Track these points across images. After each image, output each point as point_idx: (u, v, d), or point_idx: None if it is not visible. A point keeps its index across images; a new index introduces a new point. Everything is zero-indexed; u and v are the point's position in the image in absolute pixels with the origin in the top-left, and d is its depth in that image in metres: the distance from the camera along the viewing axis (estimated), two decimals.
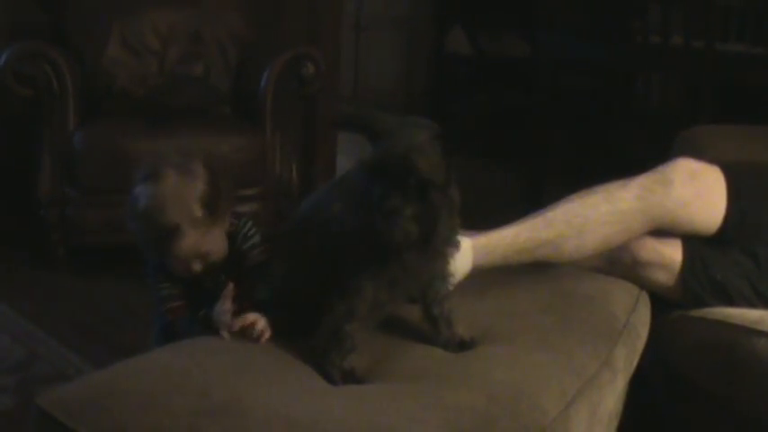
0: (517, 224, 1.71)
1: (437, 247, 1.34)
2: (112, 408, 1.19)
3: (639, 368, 1.66)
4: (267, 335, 1.38)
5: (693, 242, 1.78)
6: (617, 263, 1.77)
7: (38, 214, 3.05)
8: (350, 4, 5.58)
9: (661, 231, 1.78)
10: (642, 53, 4.26)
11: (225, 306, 1.40)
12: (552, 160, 4.15)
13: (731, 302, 1.74)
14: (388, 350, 1.43)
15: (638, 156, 2.26)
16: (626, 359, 1.56)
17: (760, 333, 1.62)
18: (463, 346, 1.44)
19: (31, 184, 3.05)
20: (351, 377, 1.34)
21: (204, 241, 1.46)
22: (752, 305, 1.74)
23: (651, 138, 3.85)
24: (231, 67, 3.51)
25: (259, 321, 1.39)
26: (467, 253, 1.61)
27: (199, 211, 1.45)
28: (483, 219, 1.66)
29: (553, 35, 4.72)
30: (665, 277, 1.77)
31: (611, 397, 1.49)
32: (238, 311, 1.42)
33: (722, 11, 4.19)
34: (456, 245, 1.40)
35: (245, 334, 1.39)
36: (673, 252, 1.77)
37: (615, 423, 1.64)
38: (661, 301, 1.78)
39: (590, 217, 1.71)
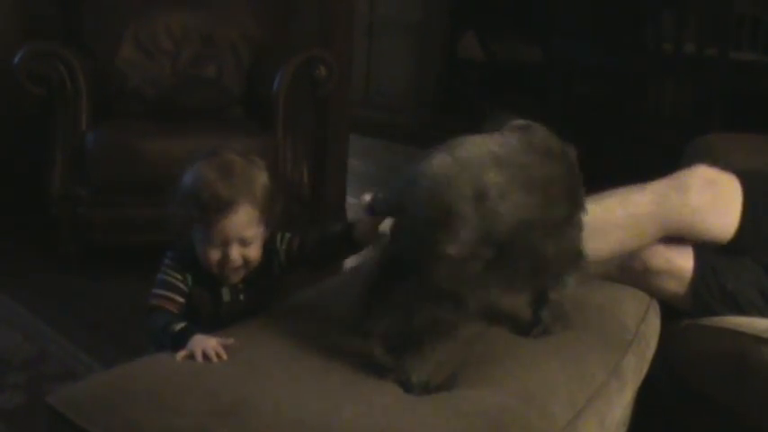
0: None
1: None
2: (122, 407, 1.20)
3: (648, 376, 1.65)
4: (222, 354, 1.33)
5: (705, 251, 1.78)
6: (628, 270, 1.77)
7: (49, 213, 3.06)
8: (362, 7, 5.59)
9: (673, 239, 1.77)
10: (655, 60, 4.26)
11: (210, 342, 1.34)
12: None
13: (742, 312, 1.73)
14: None
15: (649, 162, 2.25)
16: (635, 369, 1.56)
17: None
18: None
19: (42, 183, 3.06)
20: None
21: (251, 228, 1.45)
22: (763, 315, 1.73)
23: (663, 145, 3.85)
24: (243, 69, 3.52)
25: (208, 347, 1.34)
26: None
27: (259, 195, 1.45)
28: None
29: (566, 41, 4.72)
30: (675, 286, 1.77)
31: (620, 406, 1.49)
32: None
33: (735, 19, 4.18)
34: None
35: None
36: (684, 261, 1.77)
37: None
38: (671, 310, 1.78)
39: (606, 220, 1.70)
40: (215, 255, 1.45)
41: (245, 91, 3.50)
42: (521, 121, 1.50)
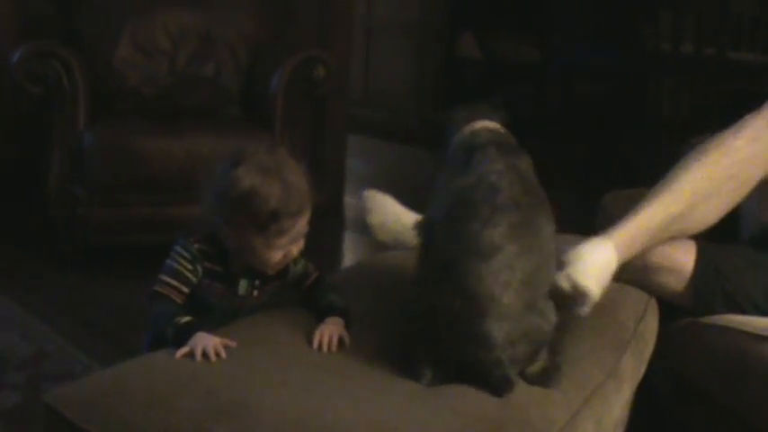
0: (646, 206, 1.63)
1: None
2: (120, 406, 1.20)
3: (647, 375, 1.65)
4: (222, 354, 1.33)
5: (708, 249, 1.76)
6: (627, 267, 1.75)
7: (47, 212, 3.05)
8: (361, 7, 5.58)
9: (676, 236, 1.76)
10: (653, 60, 4.27)
11: (212, 341, 1.33)
12: (562, 165, 4.16)
13: (742, 312, 1.72)
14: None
15: (647, 161, 2.25)
16: (633, 368, 1.56)
17: None
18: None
19: (40, 183, 3.06)
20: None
21: (308, 221, 1.48)
22: (764, 315, 1.72)
23: (661, 144, 3.85)
24: (241, 69, 3.52)
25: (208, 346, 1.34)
26: (612, 258, 1.53)
27: (309, 189, 1.47)
28: None
29: (564, 41, 4.73)
30: (675, 283, 1.75)
31: (617, 406, 1.49)
32: None
33: (734, 19, 4.19)
34: None
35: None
36: (685, 257, 1.75)
37: (621, 431, 1.63)
38: (670, 308, 1.77)
39: (715, 176, 1.65)
40: (278, 255, 1.46)
41: (242, 90, 3.50)
42: (487, 123, 1.51)
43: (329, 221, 3.90)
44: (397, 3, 5.89)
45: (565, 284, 1.43)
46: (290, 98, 3.27)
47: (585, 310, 1.45)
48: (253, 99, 3.44)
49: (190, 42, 3.49)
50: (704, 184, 1.64)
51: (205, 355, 1.32)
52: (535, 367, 1.35)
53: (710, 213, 1.67)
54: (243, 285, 1.51)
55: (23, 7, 3.47)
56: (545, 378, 1.35)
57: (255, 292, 1.53)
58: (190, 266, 1.46)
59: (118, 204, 3.03)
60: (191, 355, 1.32)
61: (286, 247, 1.46)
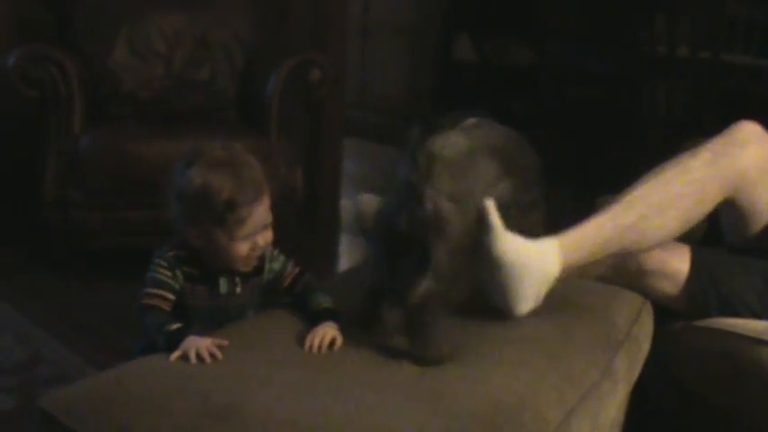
0: (598, 215, 1.65)
1: None
2: (114, 410, 1.20)
3: (642, 377, 1.66)
4: (217, 354, 1.34)
5: (702, 254, 1.77)
6: (622, 271, 1.76)
7: (42, 216, 3.05)
8: (356, 9, 5.59)
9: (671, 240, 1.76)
10: (648, 63, 4.27)
11: (204, 342, 1.34)
12: (556, 168, 4.15)
13: (736, 315, 1.73)
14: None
15: (642, 164, 2.25)
16: (627, 369, 1.56)
17: (765, 343, 1.61)
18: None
19: (35, 186, 3.06)
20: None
21: (269, 210, 1.50)
22: (758, 318, 1.72)
23: (656, 147, 3.86)
24: (237, 72, 3.51)
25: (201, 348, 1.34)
26: (553, 255, 1.54)
27: (263, 177, 1.50)
28: None
29: (559, 44, 4.73)
30: (670, 287, 1.76)
31: (612, 407, 1.49)
32: None
33: (728, 22, 4.20)
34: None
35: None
36: (679, 263, 1.76)
37: None
38: (664, 311, 1.78)
39: (668, 192, 1.67)
40: (244, 248, 1.48)
41: (238, 94, 3.50)
42: (473, 120, 1.56)
43: (325, 224, 3.90)
44: (392, 5, 5.90)
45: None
46: (285, 101, 3.27)
47: (488, 241, 1.45)
48: (248, 102, 3.44)
49: (185, 46, 3.48)
50: (656, 199, 1.66)
51: (199, 357, 1.32)
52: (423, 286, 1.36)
53: (664, 229, 1.68)
54: (223, 284, 1.53)
55: (18, 10, 3.47)
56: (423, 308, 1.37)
57: (238, 290, 1.54)
58: (169, 273, 1.49)
59: (114, 207, 3.03)
60: (184, 358, 1.33)
61: (251, 239, 1.48)
